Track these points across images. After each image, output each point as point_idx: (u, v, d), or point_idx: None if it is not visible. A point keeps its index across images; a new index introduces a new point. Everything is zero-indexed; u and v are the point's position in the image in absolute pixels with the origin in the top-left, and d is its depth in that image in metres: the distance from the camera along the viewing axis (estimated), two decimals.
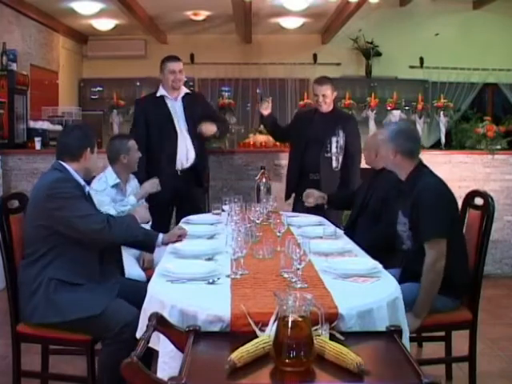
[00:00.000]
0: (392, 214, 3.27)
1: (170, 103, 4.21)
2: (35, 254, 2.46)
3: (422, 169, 2.80)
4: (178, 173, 4.19)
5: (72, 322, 2.39)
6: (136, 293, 2.37)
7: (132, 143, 3.55)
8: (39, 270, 2.44)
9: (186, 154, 4.20)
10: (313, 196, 3.83)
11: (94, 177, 3.36)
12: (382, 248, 3.01)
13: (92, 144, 2.61)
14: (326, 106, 4.28)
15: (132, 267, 3.22)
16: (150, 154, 4.05)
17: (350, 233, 3.32)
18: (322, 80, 4.28)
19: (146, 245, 2.88)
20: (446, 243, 2.59)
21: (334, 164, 4.15)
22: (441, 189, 2.71)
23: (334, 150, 4.16)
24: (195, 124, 4.19)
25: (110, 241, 2.56)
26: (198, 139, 4.24)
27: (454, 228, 2.68)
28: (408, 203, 2.71)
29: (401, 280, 2.68)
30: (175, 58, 4.24)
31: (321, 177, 4.21)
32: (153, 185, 3.61)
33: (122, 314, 2.36)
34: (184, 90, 4.27)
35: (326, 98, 4.23)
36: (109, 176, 3.47)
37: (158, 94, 4.24)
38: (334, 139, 4.15)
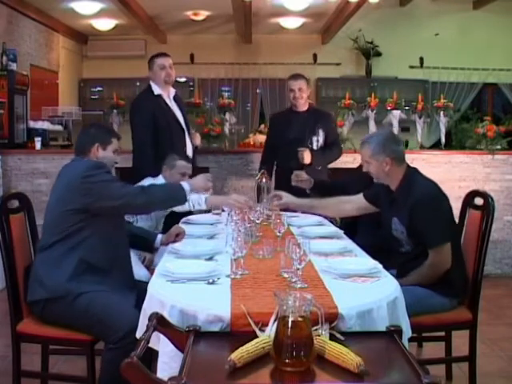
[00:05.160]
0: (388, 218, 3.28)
1: (168, 102, 4.12)
2: (55, 238, 2.47)
3: (412, 173, 2.75)
4: None
5: (79, 303, 2.39)
6: (139, 293, 2.36)
7: (181, 164, 3.57)
8: (64, 251, 2.46)
9: (191, 152, 4.19)
10: (301, 176, 3.70)
11: None
12: (383, 250, 3.01)
13: (103, 141, 2.67)
14: (303, 102, 4.29)
15: (136, 266, 3.20)
16: (162, 155, 3.82)
17: (351, 236, 3.32)
18: (296, 75, 4.33)
19: (145, 245, 2.96)
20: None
21: None
22: (436, 193, 2.68)
23: (314, 148, 4.20)
24: (188, 124, 4.25)
25: (149, 201, 2.64)
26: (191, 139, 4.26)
27: (451, 229, 2.69)
28: (404, 211, 2.65)
29: (398, 276, 2.69)
30: (163, 54, 4.19)
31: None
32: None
33: (126, 318, 2.31)
34: (173, 90, 4.21)
35: (302, 92, 4.25)
36: (158, 182, 3.52)
37: (156, 93, 4.07)
38: (314, 138, 4.18)
